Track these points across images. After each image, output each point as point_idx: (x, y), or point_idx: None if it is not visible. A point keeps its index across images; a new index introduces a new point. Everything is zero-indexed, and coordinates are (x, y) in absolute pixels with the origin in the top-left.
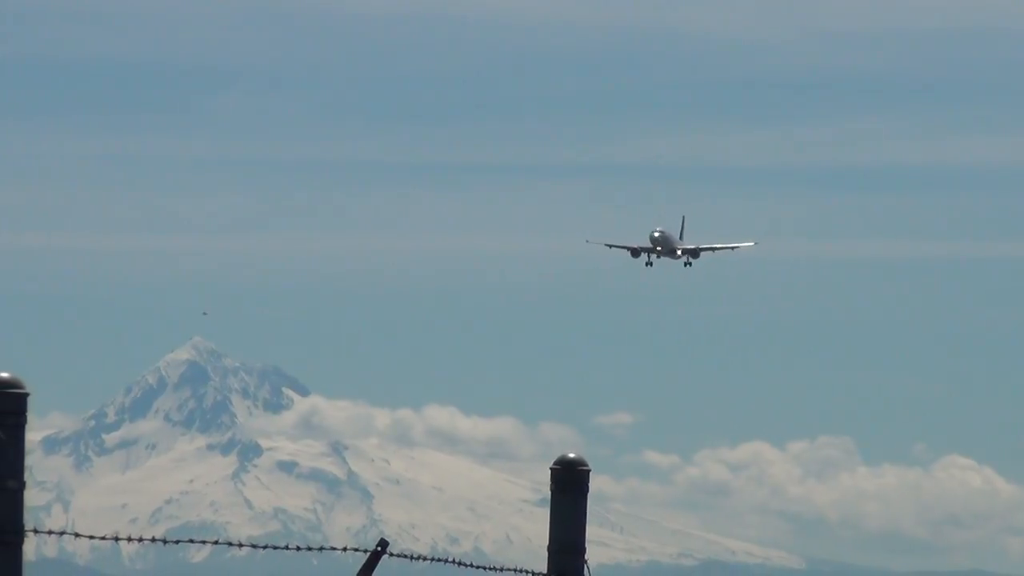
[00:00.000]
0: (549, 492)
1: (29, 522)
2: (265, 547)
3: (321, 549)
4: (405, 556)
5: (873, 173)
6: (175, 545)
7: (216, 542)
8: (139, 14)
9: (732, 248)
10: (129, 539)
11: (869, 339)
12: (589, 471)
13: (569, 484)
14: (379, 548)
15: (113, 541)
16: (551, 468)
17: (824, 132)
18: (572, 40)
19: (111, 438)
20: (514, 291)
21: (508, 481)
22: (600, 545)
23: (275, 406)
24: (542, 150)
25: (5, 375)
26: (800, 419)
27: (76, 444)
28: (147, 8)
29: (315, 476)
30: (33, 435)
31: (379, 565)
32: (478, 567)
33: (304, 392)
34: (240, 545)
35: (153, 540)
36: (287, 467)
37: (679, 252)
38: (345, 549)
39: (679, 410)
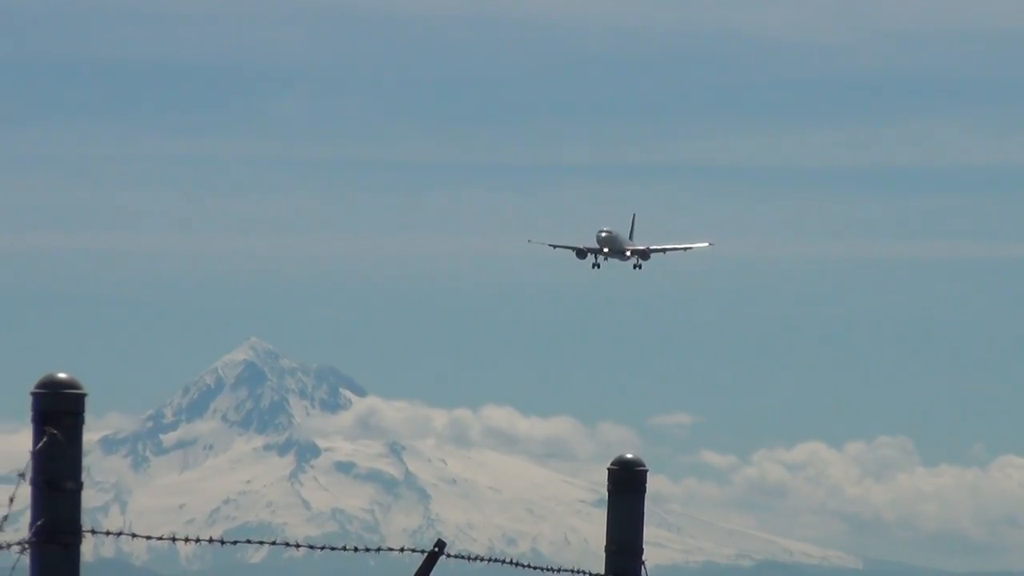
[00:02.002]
0: (607, 492)
1: (87, 523)
2: (323, 548)
3: (379, 550)
4: (462, 557)
5: (932, 173)
6: (232, 546)
7: (274, 543)
8: (200, 16)
9: (685, 249)
10: (187, 540)
11: (928, 339)
12: (646, 471)
13: (626, 484)
14: (436, 549)
15: (170, 542)
16: (608, 468)
17: (872, 132)
18: (578, 42)
19: (168, 438)
20: (571, 292)
21: (566, 482)
22: (657, 546)
23: (332, 406)
24: (581, 149)
25: (63, 376)
26: (858, 419)
27: (134, 444)
28: (208, 10)
29: (372, 476)
30: (91, 435)
31: (436, 566)
32: (535, 568)
33: (361, 392)
34: (298, 546)
35: (211, 541)
36: (344, 467)
37: (628, 253)
38: (402, 550)
39: (737, 411)
